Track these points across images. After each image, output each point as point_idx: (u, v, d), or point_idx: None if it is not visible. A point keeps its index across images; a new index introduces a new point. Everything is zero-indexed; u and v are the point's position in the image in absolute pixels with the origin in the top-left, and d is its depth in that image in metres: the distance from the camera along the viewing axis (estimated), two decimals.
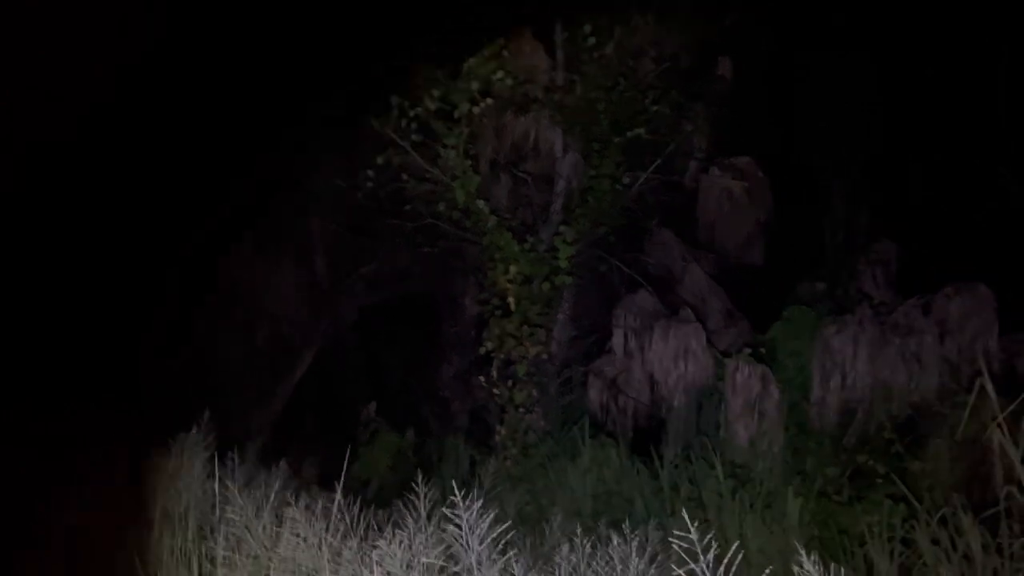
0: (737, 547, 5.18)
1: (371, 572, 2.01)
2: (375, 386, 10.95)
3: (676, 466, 6.16)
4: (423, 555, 1.96)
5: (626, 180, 7.96)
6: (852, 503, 5.75)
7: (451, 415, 10.58)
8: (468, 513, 1.93)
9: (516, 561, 1.97)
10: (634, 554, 2.21)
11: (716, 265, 9.29)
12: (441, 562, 2.03)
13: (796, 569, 2.14)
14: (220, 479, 2.93)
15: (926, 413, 6.08)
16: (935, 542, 4.27)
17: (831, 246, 9.17)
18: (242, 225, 8.62)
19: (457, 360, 10.81)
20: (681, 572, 1.98)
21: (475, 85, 7.02)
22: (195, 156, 7.05)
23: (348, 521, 2.31)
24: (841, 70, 8.92)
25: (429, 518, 2.20)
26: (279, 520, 2.46)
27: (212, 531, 2.61)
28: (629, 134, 7.46)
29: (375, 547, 2.01)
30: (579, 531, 2.48)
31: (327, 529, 2.24)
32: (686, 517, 4.92)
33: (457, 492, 1.98)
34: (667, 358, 6.78)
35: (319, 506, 2.58)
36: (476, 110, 7.07)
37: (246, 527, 2.52)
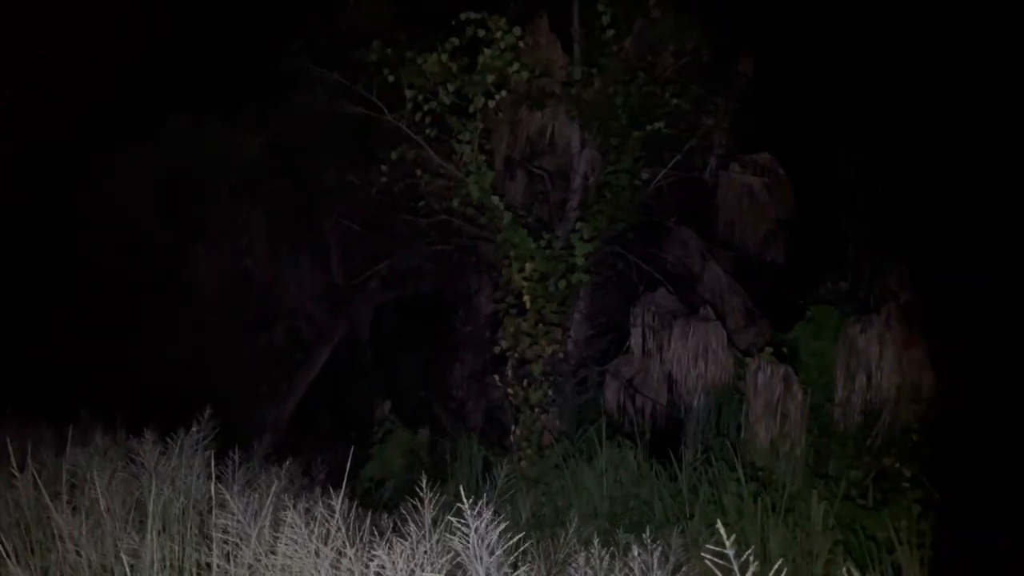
0: (759, 552, 5.01)
1: None
2: (389, 384, 10.87)
3: (695, 468, 6.00)
4: (426, 567, 1.82)
5: (644, 176, 7.79)
6: (878, 507, 5.57)
7: (465, 414, 10.47)
8: (478, 521, 1.78)
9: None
10: (656, 566, 2.06)
11: (735, 263, 9.09)
12: (445, 574, 1.90)
13: None
14: (217, 480, 2.81)
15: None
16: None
17: (854, 244, 8.95)
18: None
19: (471, 359, 10.69)
20: None
21: (491, 78, 6.88)
22: None
23: (351, 526, 2.18)
24: (853, 68, 8.73)
25: (435, 524, 2.06)
26: (276, 524, 2.33)
27: (207, 537, 2.49)
28: (648, 128, 7.29)
29: (373, 557, 1.87)
30: (596, 538, 2.33)
31: (328, 536, 2.10)
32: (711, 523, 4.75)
33: (465, 497, 1.84)
34: (687, 358, 6.61)
35: (320, 509, 2.45)
36: (491, 104, 6.92)
37: (241, 534, 2.39)
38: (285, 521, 2.32)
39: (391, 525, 2.21)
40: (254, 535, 2.19)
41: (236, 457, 3.03)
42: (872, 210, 8.63)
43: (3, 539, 2.56)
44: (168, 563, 2.43)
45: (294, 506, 2.34)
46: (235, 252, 9.06)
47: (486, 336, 10.48)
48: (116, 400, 6.57)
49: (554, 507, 6.17)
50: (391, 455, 7.58)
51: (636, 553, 2.04)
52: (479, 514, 1.81)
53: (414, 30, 7.14)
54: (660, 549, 2.19)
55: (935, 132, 7.93)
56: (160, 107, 8.66)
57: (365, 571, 1.92)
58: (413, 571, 1.84)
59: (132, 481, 2.97)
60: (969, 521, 5.26)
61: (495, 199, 7.21)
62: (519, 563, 1.94)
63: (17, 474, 3.03)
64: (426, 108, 7.12)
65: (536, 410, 7.05)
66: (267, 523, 2.23)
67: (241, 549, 2.18)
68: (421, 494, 2.13)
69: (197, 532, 2.59)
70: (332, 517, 2.31)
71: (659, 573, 2.06)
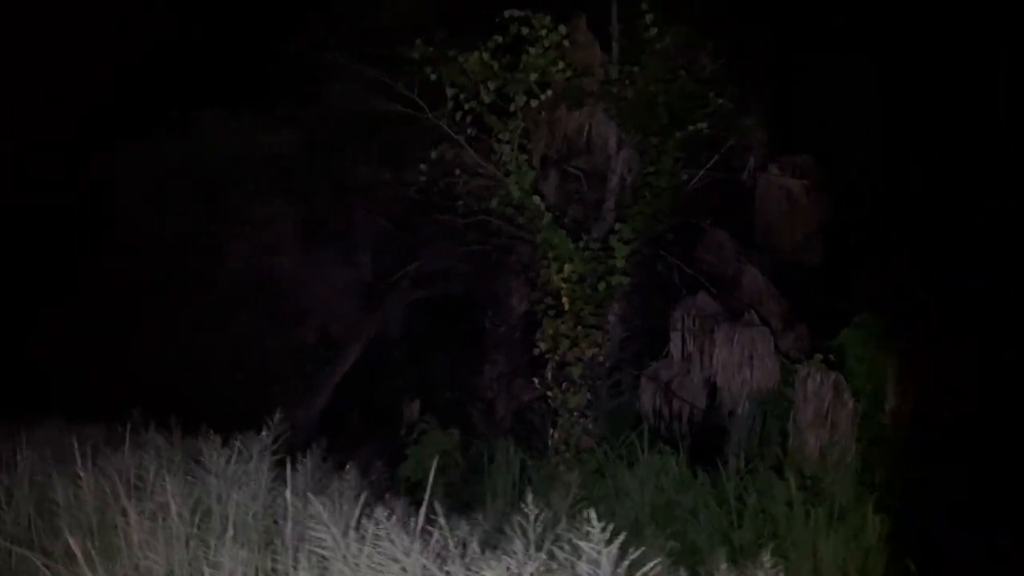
0: (811, 566, 4.88)
1: None
2: (419, 385, 10.81)
3: (741, 477, 5.89)
4: None
5: (684, 176, 7.69)
6: None
7: (495, 416, 10.39)
8: (606, 547, 1.68)
9: None
10: None
11: (772, 266, 8.97)
12: None
13: None
14: (284, 484, 2.74)
15: None
16: None
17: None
18: None
19: (502, 360, 10.62)
20: None
21: (533, 77, 6.80)
22: None
23: (436, 537, 2.09)
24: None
25: (540, 541, 1.96)
26: (358, 534, 2.25)
27: (281, 546, 2.41)
28: (691, 128, 7.18)
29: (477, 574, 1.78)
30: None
31: (423, 549, 2.02)
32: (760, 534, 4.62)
33: (596, 517, 1.74)
34: (731, 363, 6.49)
35: (395, 517, 2.37)
36: (534, 103, 6.84)
37: (318, 543, 2.31)
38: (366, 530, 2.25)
39: (482, 537, 2.12)
40: (343, 544, 2.11)
41: (307, 462, 2.96)
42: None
43: (73, 542, 2.50)
44: (244, 573, 2.35)
45: (371, 514, 2.26)
46: (267, 248, 9.02)
47: (517, 337, 10.42)
48: (151, 398, 6.53)
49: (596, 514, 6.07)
50: (426, 456, 7.50)
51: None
52: (601, 536, 1.72)
53: (455, 28, 7.07)
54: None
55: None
56: (193, 102, 8.63)
57: None
58: None
59: (196, 484, 2.91)
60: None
61: (536, 199, 7.13)
62: None
63: (81, 474, 2.98)
64: (467, 107, 7.05)
65: (575, 413, 6.96)
66: (356, 533, 2.14)
67: (330, 561, 2.10)
68: (526, 509, 2.04)
69: (272, 541, 2.52)
70: (411, 527, 2.23)
71: None
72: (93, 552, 2.64)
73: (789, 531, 5.27)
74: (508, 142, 7.13)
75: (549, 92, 6.89)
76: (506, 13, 6.70)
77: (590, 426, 7.25)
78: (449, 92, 6.98)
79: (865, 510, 5.05)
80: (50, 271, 8.43)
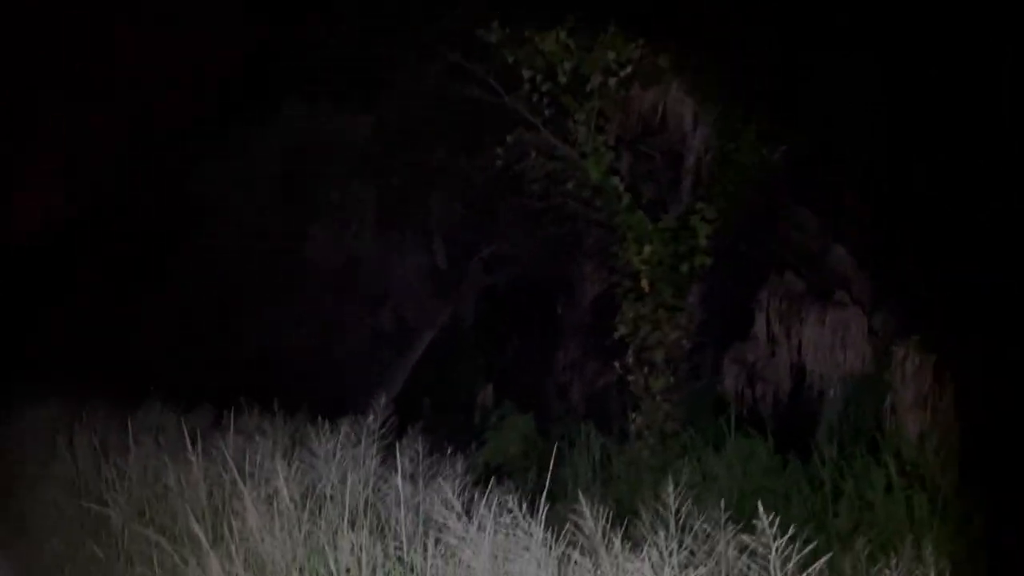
0: (915, 555, 4.70)
1: None
2: (491, 370, 10.83)
3: (835, 462, 5.69)
4: None
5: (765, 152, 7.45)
6: None
7: (569, 401, 10.35)
8: (776, 540, 1.61)
9: None
10: None
11: (858, 243, 8.64)
12: None
13: None
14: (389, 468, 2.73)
15: None
16: None
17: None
18: None
19: (574, 345, 10.56)
20: None
21: (612, 55, 6.66)
22: None
23: (565, 528, 2.04)
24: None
25: (682, 535, 1.90)
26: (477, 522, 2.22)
27: (400, 532, 2.40)
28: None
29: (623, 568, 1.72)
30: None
31: (552, 541, 1.98)
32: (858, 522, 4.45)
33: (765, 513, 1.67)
34: (822, 344, 6.27)
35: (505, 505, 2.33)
36: (612, 81, 6.71)
37: (432, 531, 2.29)
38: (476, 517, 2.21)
39: (610, 527, 2.06)
40: (470, 533, 2.08)
41: (420, 447, 2.95)
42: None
43: (196, 525, 2.55)
44: (363, 559, 2.36)
45: (488, 502, 2.22)
46: (346, 234, 9.14)
47: (589, 322, 10.33)
48: (240, 384, 6.68)
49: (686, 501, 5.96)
50: (505, 441, 7.51)
51: None
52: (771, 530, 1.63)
53: (531, 8, 6.98)
54: None
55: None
56: (275, 93, 8.77)
57: None
58: None
59: (307, 469, 2.93)
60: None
61: (615, 180, 7.01)
62: None
63: (192, 459, 3.04)
64: (543, 89, 6.96)
65: (658, 397, 6.84)
66: (486, 525, 2.10)
67: (458, 551, 2.08)
68: (667, 500, 1.97)
69: (385, 527, 2.52)
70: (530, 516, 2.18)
71: None
72: (210, 534, 2.69)
73: (889, 520, 5.08)
74: (584, 123, 7.02)
75: (629, 68, 6.72)
76: None
77: (673, 410, 7.13)
78: (526, 74, 6.90)
79: (971, 500, 4.81)
80: (141, 260, 8.71)
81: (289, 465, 2.88)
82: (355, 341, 9.16)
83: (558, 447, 7.61)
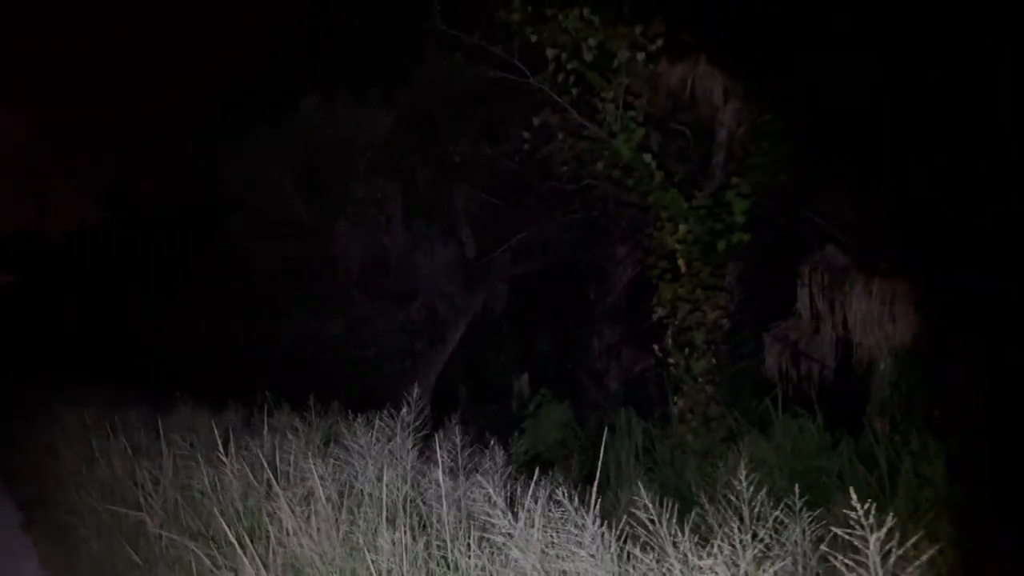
0: None
1: None
2: (525, 359, 10.70)
3: (890, 439, 5.46)
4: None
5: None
6: None
7: (605, 386, 10.17)
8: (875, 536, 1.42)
9: None
10: None
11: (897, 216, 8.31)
12: None
13: None
14: (428, 463, 2.59)
15: None
16: None
17: None
18: None
19: (609, 330, 10.37)
20: None
21: (639, 29, 6.43)
22: None
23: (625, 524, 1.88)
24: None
25: (755, 528, 1.73)
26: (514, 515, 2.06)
27: (436, 529, 2.26)
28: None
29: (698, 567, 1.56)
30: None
31: (609, 536, 1.82)
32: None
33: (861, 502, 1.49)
34: (870, 318, 6.01)
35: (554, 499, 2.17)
36: (640, 56, 6.48)
37: (478, 528, 2.14)
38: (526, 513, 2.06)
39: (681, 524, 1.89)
40: (518, 530, 1.93)
41: (457, 439, 2.81)
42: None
43: (228, 528, 2.44)
44: (404, 559, 2.22)
45: (536, 497, 2.06)
46: (373, 228, 9.04)
47: (624, 306, 10.13)
48: (271, 382, 6.62)
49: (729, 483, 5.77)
50: (544, 430, 7.36)
51: None
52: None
53: None
54: None
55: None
56: (293, 91, 8.69)
57: None
58: None
59: (342, 466, 2.81)
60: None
61: (647, 157, 6.79)
62: None
63: (224, 460, 2.94)
64: (568, 67, 6.76)
65: (700, 380, 6.64)
66: (518, 514, 1.96)
67: (510, 549, 1.93)
68: (738, 486, 1.81)
69: (426, 523, 2.39)
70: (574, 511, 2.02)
71: None
72: (245, 537, 2.57)
73: (951, 499, 4.84)
74: (612, 100, 6.80)
75: (659, 42, 6.49)
76: None
77: (716, 392, 6.92)
78: (550, 53, 6.69)
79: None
80: (169, 262, 8.69)
81: (324, 463, 2.76)
82: (386, 335, 9.07)
83: (595, 433, 7.49)
